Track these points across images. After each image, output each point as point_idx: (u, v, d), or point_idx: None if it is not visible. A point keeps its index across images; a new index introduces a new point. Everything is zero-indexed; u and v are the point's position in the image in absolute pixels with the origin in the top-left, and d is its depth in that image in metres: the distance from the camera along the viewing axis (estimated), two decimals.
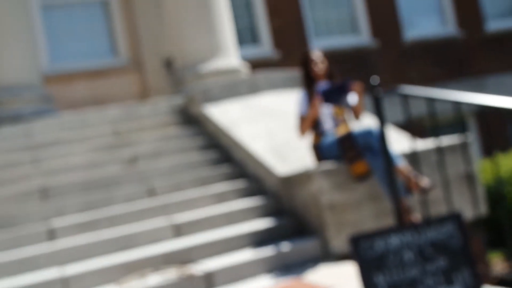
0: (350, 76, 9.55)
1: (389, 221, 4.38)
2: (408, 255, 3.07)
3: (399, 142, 5.17)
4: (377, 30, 10.57)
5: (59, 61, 8.65)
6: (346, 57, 10.19)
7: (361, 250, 3.06)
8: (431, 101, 3.45)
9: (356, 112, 4.61)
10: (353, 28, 10.64)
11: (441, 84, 10.71)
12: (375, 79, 3.46)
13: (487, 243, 5.54)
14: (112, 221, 4.77)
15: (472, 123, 10.90)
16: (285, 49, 9.86)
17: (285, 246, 4.31)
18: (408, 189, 4.19)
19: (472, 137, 4.70)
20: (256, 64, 9.21)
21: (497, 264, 6.30)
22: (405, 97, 3.42)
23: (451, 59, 11.04)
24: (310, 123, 4.56)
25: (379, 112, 3.37)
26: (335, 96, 4.37)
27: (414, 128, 10.08)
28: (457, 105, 3.74)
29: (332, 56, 4.98)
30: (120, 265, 4.18)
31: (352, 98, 4.52)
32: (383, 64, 10.55)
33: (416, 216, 4.19)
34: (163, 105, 6.86)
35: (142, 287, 3.90)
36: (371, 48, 10.48)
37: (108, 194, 5.08)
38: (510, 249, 3.89)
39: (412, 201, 4.39)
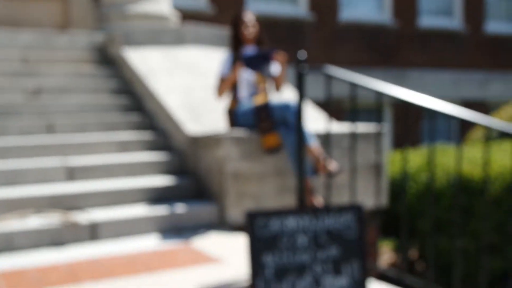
0: (281, 45, 9.34)
1: (291, 198, 4.24)
2: (302, 240, 2.91)
3: (316, 122, 5.03)
4: (315, 4, 10.37)
5: None
6: (280, 25, 9.96)
7: (255, 227, 2.87)
8: (353, 86, 3.28)
9: (278, 83, 4.39)
10: None
11: (367, 68, 10.73)
12: (302, 54, 3.24)
13: (381, 231, 5.56)
14: (2, 153, 4.35)
15: (389, 112, 11.02)
16: (221, 5, 9.48)
17: (181, 208, 4.08)
18: (315, 170, 4.04)
19: (387, 128, 4.62)
20: (188, 16, 8.80)
21: (386, 252, 6.40)
22: (329, 78, 3.23)
23: (381, 46, 11.07)
24: (228, 86, 4.30)
25: (300, 88, 3.16)
26: (257, 63, 4.14)
27: (333, 108, 10.07)
28: (378, 94, 3.60)
29: (266, 22, 4.73)
30: (1, 200, 3.80)
31: (275, 68, 4.30)
32: (316, 39, 10.40)
33: (319, 199, 4.07)
34: (82, 39, 6.37)
35: (21, 228, 3.56)
36: (306, 21, 10.29)
37: (2, 123, 4.63)
38: (401, 242, 3.85)
39: (317, 182, 4.26)
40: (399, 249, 5.82)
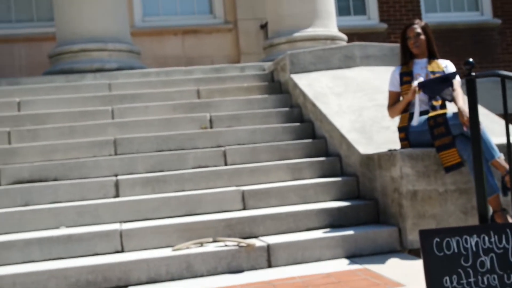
0: (464, 54, 8.98)
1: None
2: (487, 261, 2.78)
3: (503, 135, 4.75)
4: (500, 8, 9.85)
5: (151, 16, 8.75)
6: (462, 34, 9.59)
7: (432, 247, 2.80)
8: None
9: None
10: (471, 4, 9.98)
11: None
12: (469, 61, 3.13)
13: None
14: (180, 182, 4.75)
15: None
16: (392, 21, 9.43)
17: (357, 232, 4.09)
18: (505, 187, 3.82)
19: None
20: (359, 34, 8.89)
21: None
22: (503, 80, 3.07)
23: None
24: (401, 109, 4.27)
25: (471, 94, 3.04)
26: (436, 88, 4.05)
27: None
28: None
29: (445, 31, 4.61)
30: (179, 224, 4.11)
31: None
32: (504, 45, 9.84)
33: (509, 219, 3.82)
34: (251, 69, 6.76)
35: (198, 251, 3.84)
36: (490, 26, 9.79)
37: (180, 154, 5.06)
38: None
39: (507, 201, 4.01)
40: None
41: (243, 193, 4.55)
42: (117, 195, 4.64)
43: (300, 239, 3.99)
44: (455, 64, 4.44)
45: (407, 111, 4.26)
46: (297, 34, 6.83)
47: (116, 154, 5.14)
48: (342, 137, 4.93)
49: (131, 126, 5.46)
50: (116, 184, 4.65)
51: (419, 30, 4.36)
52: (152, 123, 5.50)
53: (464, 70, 3.11)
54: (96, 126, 5.42)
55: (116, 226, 4.13)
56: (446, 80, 4.07)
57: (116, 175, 4.84)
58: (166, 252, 3.89)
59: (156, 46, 8.53)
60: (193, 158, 5.04)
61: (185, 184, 4.75)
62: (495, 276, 2.74)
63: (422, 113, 4.24)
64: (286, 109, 5.82)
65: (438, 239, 2.80)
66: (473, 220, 4.06)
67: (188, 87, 6.33)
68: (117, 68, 6.71)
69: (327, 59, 6.09)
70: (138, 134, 5.32)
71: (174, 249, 3.94)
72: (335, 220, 4.33)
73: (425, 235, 2.82)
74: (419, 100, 4.25)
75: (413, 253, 4.04)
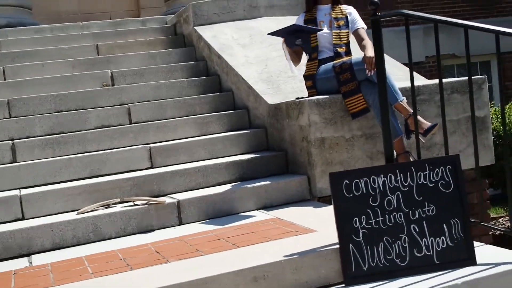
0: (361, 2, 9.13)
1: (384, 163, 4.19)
2: (394, 199, 2.89)
3: (406, 80, 4.92)
4: None
5: None
6: None
7: (341, 190, 2.88)
8: (436, 23, 3.15)
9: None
10: None
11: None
12: (374, 1, 3.19)
13: (491, 198, 5.34)
14: (82, 143, 4.62)
15: (495, 66, 10.52)
16: None
17: (268, 183, 4.14)
18: (407, 130, 3.98)
19: (486, 80, 4.46)
20: None
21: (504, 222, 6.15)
22: (406, 19, 3.15)
23: None
24: (294, 57, 4.31)
25: (376, 36, 3.11)
26: (288, 38, 4.15)
27: (432, 68, 9.74)
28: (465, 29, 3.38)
29: None
30: (84, 186, 4.01)
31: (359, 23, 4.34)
32: None
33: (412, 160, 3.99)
34: (153, 22, 6.61)
35: (105, 212, 3.77)
36: None
37: (81, 113, 4.90)
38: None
39: (410, 143, 4.18)
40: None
41: (150, 151, 4.49)
42: (14, 160, 4.45)
43: (210, 193, 4.00)
44: None
45: (314, 59, 4.31)
46: None
47: (10, 116, 4.91)
48: (250, 89, 4.94)
49: (26, 86, 5.22)
50: (13, 148, 4.46)
51: None
52: (49, 82, 5.29)
53: (369, 11, 3.16)
54: None
55: (15, 192, 3.97)
56: (298, 30, 4.15)
57: (12, 139, 4.64)
58: (71, 216, 3.78)
59: (48, 1, 8.13)
60: (95, 117, 4.90)
61: (88, 144, 4.62)
62: (401, 214, 2.86)
63: (327, 59, 4.30)
64: (191, 62, 5.75)
65: (347, 181, 2.88)
66: (379, 164, 4.20)
67: (86, 43, 6.11)
68: (6, 25, 6.37)
69: (231, 9, 6.03)
70: (34, 94, 5.10)
71: (79, 212, 3.84)
72: (245, 173, 4.36)
73: (334, 177, 2.90)
74: (324, 47, 4.31)
75: (322, 201, 4.15)
